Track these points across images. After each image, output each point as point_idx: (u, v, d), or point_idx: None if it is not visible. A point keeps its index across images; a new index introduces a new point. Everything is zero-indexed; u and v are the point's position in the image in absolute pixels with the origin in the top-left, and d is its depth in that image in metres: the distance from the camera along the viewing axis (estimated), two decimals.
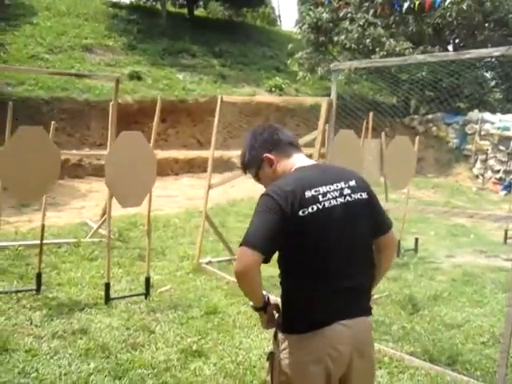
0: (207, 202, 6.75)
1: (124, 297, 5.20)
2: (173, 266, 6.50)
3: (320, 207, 2.18)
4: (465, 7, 16.05)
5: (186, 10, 25.82)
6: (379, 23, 17.27)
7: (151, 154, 5.21)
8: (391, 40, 16.68)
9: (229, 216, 9.58)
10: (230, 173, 16.68)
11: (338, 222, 2.21)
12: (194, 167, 15.95)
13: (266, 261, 2.20)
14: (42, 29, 18.56)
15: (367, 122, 7.15)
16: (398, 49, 16.43)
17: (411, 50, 16.71)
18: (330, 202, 2.21)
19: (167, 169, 15.03)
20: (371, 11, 17.39)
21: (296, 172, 2.30)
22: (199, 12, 27.44)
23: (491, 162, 16.32)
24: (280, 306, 2.35)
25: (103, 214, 7.71)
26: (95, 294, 5.26)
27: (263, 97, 16.47)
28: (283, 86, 20.11)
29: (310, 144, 5.13)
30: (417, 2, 15.95)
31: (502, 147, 16.07)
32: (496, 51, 3.74)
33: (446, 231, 9.81)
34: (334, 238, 2.21)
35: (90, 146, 14.98)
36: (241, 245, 2.16)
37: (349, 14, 17.66)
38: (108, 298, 5.04)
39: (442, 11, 16.66)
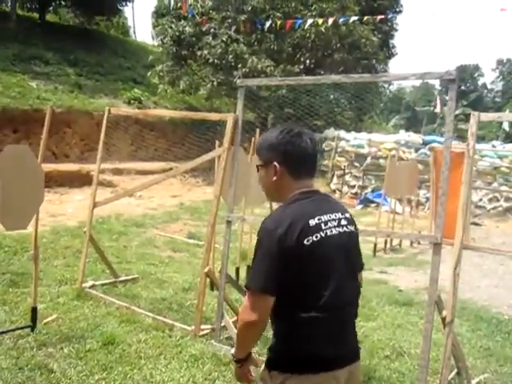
0: (91, 221, 6.27)
1: (7, 331, 4.62)
2: (52, 291, 5.93)
3: (323, 235, 2.14)
4: (323, 30, 16.76)
5: (36, 15, 24.42)
6: (242, 40, 17.51)
7: (39, 169, 4.72)
8: (253, 57, 16.94)
9: (100, 234, 9.00)
10: (89, 188, 16.00)
11: (337, 250, 2.19)
12: (50, 181, 14.97)
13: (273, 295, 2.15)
14: None
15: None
16: (259, 66, 16.75)
17: (272, 68, 17.12)
18: (332, 231, 2.18)
19: None
20: (234, 28, 17.56)
21: (300, 200, 2.21)
22: (50, 17, 26.11)
23: (347, 177, 17.17)
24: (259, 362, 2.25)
25: None
26: None
27: (158, 110, 15.90)
28: (142, 98, 19.67)
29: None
30: (278, 22, 16.39)
31: (356, 163, 16.98)
32: (413, 75, 3.83)
33: None
34: (336, 265, 2.18)
35: None
36: (249, 288, 2.08)
37: (212, 30, 17.72)
38: None
39: (302, 32, 17.28)
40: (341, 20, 15.72)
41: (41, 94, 16.88)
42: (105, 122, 6.10)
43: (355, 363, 2.27)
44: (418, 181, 11.18)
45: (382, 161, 16.31)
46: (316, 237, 2.11)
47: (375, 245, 9.68)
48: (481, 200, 15.50)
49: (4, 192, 4.38)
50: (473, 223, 14.19)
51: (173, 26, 18.10)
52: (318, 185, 17.88)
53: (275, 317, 2.17)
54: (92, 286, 6.13)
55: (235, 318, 5.29)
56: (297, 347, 2.13)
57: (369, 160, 16.56)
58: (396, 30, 26.35)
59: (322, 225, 2.16)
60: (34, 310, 4.77)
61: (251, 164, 6.56)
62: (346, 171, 17.20)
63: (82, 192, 14.46)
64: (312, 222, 2.13)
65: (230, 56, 17.08)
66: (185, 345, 4.68)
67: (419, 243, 11.11)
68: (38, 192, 4.70)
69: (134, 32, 33.97)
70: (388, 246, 10.34)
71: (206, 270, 4.92)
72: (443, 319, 3.88)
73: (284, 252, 2.06)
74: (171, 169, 13.90)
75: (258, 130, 7.04)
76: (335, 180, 17.42)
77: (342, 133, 17.83)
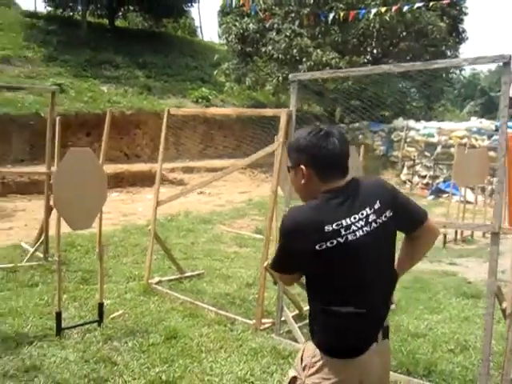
0: (155, 219, 6.42)
1: (75, 326, 4.82)
2: (120, 288, 6.14)
3: (341, 241, 2.12)
4: (388, 18, 16.45)
5: (106, 21, 25.21)
6: (305, 34, 17.44)
7: (101, 171, 4.89)
8: (318, 50, 16.85)
9: (169, 232, 9.27)
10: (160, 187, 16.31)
11: (362, 253, 2.17)
12: (122, 181, 15.50)
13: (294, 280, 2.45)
14: None
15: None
16: (324, 59, 16.63)
17: (337, 60, 16.96)
18: (355, 234, 2.15)
19: None
20: (297, 22, 17.52)
21: (321, 199, 2.20)
22: (119, 22, 26.90)
23: (418, 167, 16.80)
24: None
25: (39, 236, 7.26)
26: (43, 325, 4.85)
27: (216, 109, 16.23)
28: (210, 96, 19.96)
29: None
30: (341, 13, 16.20)
31: (427, 153, 16.58)
32: (465, 61, 3.72)
33: None
34: (360, 268, 2.18)
35: (11, 163, 14.22)
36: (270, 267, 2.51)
37: (275, 25, 17.75)
38: (59, 329, 4.66)
39: (366, 22, 17.02)
40: (405, 7, 15.35)
41: (111, 98, 17.44)
42: (165, 122, 6.25)
43: (385, 340, 2.31)
44: (488, 169, 10.76)
45: (453, 149, 15.82)
46: (331, 243, 2.11)
47: (445, 236, 9.45)
48: None
49: (68, 193, 4.58)
50: None
51: (236, 23, 18.27)
52: (389, 176, 17.61)
53: (308, 297, 2.31)
54: (158, 282, 6.29)
55: (296, 311, 5.33)
56: (318, 335, 2.24)
57: (439, 149, 16.14)
58: (465, 14, 25.46)
59: (342, 230, 2.13)
60: (101, 306, 4.96)
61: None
62: (417, 161, 16.83)
63: (152, 191, 14.79)
64: (328, 228, 2.12)
65: (295, 50, 17.06)
66: (245, 338, 4.74)
67: None
68: (100, 192, 4.88)
69: (201, 32, 34.48)
70: (459, 237, 10.05)
71: (265, 264, 4.96)
72: (503, 311, 3.76)
73: (296, 253, 2.17)
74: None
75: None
76: (405, 171, 17.08)
77: (411, 122, 17.45)
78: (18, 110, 14.61)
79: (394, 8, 15.21)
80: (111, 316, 5.19)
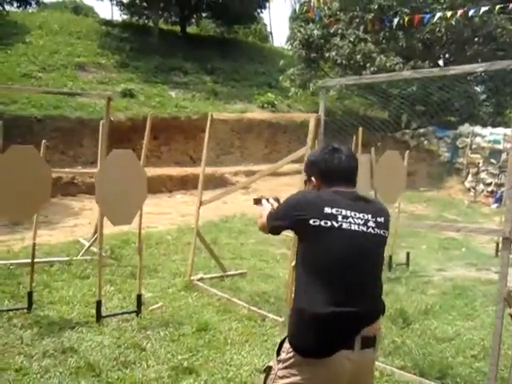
0: (198, 218, 6.72)
1: (115, 314, 5.19)
2: (165, 283, 6.50)
3: (336, 225, 2.36)
4: (453, 23, 16.22)
5: (178, 28, 26.00)
6: (369, 39, 17.46)
7: (142, 171, 5.23)
8: (382, 56, 16.83)
9: (221, 232, 9.59)
10: (222, 189, 16.76)
11: (352, 245, 2.38)
12: (186, 184, 15.96)
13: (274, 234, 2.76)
14: (34, 47, 18.69)
15: (357, 137, 7.20)
16: (388, 64, 16.58)
17: (401, 65, 16.86)
18: (350, 226, 2.38)
19: (160, 186, 15.05)
20: (361, 27, 17.56)
21: (329, 192, 2.50)
22: (191, 29, 27.66)
23: (483, 175, 16.43)
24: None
25: (95, 232, 7.72)
26: (86, 312, 5.25)
27: (253, 114, 16.57)
28: (275, 102, 20.24)
29: (300, 160, 5.18)
30: (406, 18, 16.09)
31: (492, 160, 16.19)
32: (479, 67, 3.81)
33: (438, 245, 9.84)
34: (345, 257, 2.37)
35: (82, 164, 14.98)
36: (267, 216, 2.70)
37: (339, 30, 17.86)
38: (99, 316, 5.03)
39: (432, 26, 16.84)
40: (471, 11, 15.08)
41: (179, 103, 18.02)
42: (208, 126, 6.54)
43: (365, 350, 2.38)
44: None
45: None
46: (326, 223, 2.35)
47: (497, 244, 9.28)
48: None
49: (110, 191, 4.95)
50: None
51: (301, 29, 18.49)
52: (453, 183, 17.31)
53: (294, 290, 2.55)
54: (200, 279, 6.60)
55: None
56: (291, 332, 2.45)
57: (504, 156, 15.72)
58: None
59: (340, 217, 2.38)
60: (139, 298, 5.31)
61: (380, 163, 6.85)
62: (482, 168, 16.46)
63: (213, 193, 15.26)
64: (327, 210, 2.38)
65: (358, 56, 17.11)
66: (271, 334, 4.96)
67: None
68: (140, 191, 5.22)
69: (272, 37, 34.86)
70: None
71: (293, 263, 5.16)
72: (511, 315, 3.80)
73: (292, 220, 2.45)
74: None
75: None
76: (470, 178, 16.73)
77: (478, 128, 17.08)
78: (90, 114, 15.36)
79: (459, 12, 14.98)
80: (150, 308, 5.53)
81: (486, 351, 4.80)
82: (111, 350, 4.41)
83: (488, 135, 16.61)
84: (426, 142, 18.36)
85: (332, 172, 2.54)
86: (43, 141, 5.32)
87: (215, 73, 21.74)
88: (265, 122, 18.39)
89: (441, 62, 20.13)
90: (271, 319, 5.33)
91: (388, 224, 2.51)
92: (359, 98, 19.64)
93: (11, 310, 5.14)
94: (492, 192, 15.95)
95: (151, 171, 15.49)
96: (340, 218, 2.37)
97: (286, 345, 2.40)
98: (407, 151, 8.29)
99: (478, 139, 16.83)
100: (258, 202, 2.93)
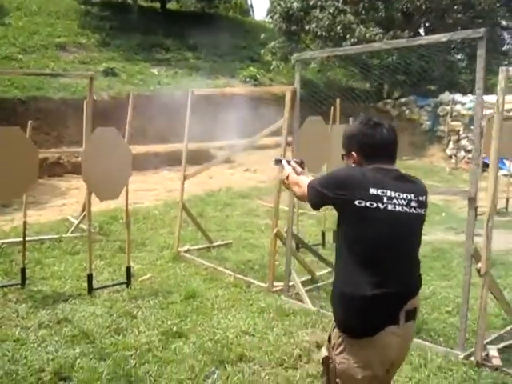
0: (183, 192, 6.92)
1: (106, 286, 5.41)
2: (153, 255, 6.72)
3: (381, 207, 2.34)
4: None
5: (158, 4, 25.83)
6: (349, 10, 17.54)
7: (126, 148, 5.41)
8: (361, 26, 16.93)
9: (207, 206, 9.81)
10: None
11: (397, 226, 2.37)
12: (172, 160, 16.09)
13: (315, 207, 2.62)
14: (14, 29, 18.55)
15: (334, 109, 7.38)
16: (368, 35, 16.68)
17: (381, 35, 16.96)
18: (395, 207, 2.36)
19: (146, 163, 15.15)
20: None
21: (372, 170, 2.43)
22: (172, 5, 27.46)
23: (463, 142, 16.70)
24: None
25: (83, 210, 7.90)
26: (78, 286, 5.47)
27: (232, 88, 16.64)
28: (257, 75, 20.30)
29: (278, 133, 5.39)
30: None
31: (472, 127, 16.42)
32: (443, 37, 4.01)
33: None
34: (390, 238, 2.36)
35: (67, 144, 15.02)
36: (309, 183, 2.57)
37: (319, 2, 17.89)
38: (91, 289, 5.25)
39: None
40: None
41: (161, 80, 18.08)
42: (189, 103, 6.70)
43: (409, 322, 2.45)
44: None
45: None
46: (371, 204, 2.32)
47: (475, 208, 9.55)
48: None
49: (95, 168, 5.13)
50: None
51: (281, 2, 18.49)
52: (435, 151, 17.60)
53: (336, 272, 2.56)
54: (187, 251, 6.83)
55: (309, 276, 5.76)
56: (337, 315, 2.48)
57: (484, 123, 15.96)
58: None
59: (385, 198, 2.35)
60: (128, 270, 5.53)
61: (331, 134, 6.94)
62: (462, 135, 16.73)
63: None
64: (373, 191, 2.34)
65: (338, 27, 17.19)
66: (256, 299, 5.20)
67: None
68: (126, 167, 5.41)
69: (252, 11, 34.70)
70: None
71: (274, 231, 5.40)
72: (478, 271, 4.06)
73: (335, 198, 2.40)
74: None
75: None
76: (451, 145, 17.00)
77: (458, 96, 17.30)
78: (72, 94, 15.40)
79: None
80: (140, 279, 5.76)
81: (460, 307, 5.08)
82: (104, 318, 4.63)
83: (468, 102, 16.83)
84: (407, 112, 18.58)
85: (374, 147, 2.47)
86: (29, 122, 5.45)
87: (197, 48, 21.72)
88: (245, 96, 18.48)
89: (422, 31, 20.28)
90: (256, 285, 5.57)
91: (427, 202, 2.51)
92: (340, 69, 19.76)
93: (5, 286, 5.34)
94: None
95: (137, 149, 15.56)
96: (385, 200, 2.35)
97: (335, 330, 2.44)
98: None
99: (458, 107, 17.06)
100: (278, 162, 2.95)
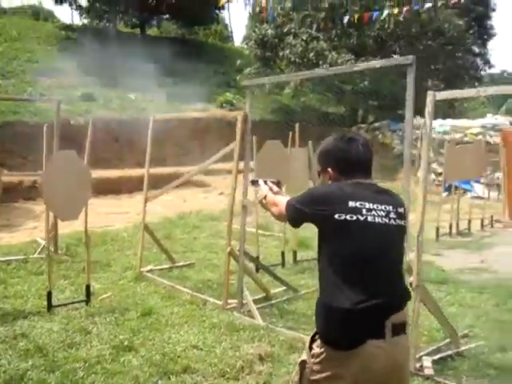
0: (145, 214, 7.15)
1: (65, 304, 5.58)
2: (116, 275, 6.89)
3: (361, 218, 2.38)
4: (401, 19, 16.86)
5: (138, 30, 26.27)
6: (322, 37, 18.02)
7: (85, 170, 5.63)
8: (333, 53, 17.39)
9: (176, 228, 10.01)
10: (184, 189, 17.22)
11: (377, 237, 2.41)
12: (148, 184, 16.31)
13: (294, 225, 2.72)
14: None
15: (293, 133, 7.67)
16: (339, 61, 17.13)
17: (353, 61, 17.42)
18: (374, 218, 2.40)
19: (121, 187, 15.34)
20: (314, 26, 18.09)
21: (349, 184, 2.48)
22: (152, 31, 27.94)
23: (433, 165, 17.08)
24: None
25: (50, 232, 8.08)
26: (39, 304, 5.63)
27: (191, 113, 16.93)
28: (234, 101, 20.67)
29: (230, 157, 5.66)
30: (356, 16, 16.68)
31: (442, 150, 16.84)
32: (378, 63, 4.32)
33: None
34: (371, 250, 2.39)
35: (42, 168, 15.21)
36: (288, 204, 2.62)
37: (292, 30, 18.37)
38: (50, 306, 5.42)
39: (382, 23, 17.46)
40: (415, 7, 15.71)
41: (139, 105, 18.36)
42: (150, 127, 6.97)
43: (396, 337, 2.40)
44: (485, 162, 11.17)
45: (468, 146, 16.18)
46: (351, 217, 2.36)
47: (437, 229, 9.87)
48: None
49: (55, 190, 5.34)
50: None
51: (256, 29, 18.96)
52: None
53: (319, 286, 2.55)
54: (150, 271, 7.02)
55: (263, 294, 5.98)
56: (319, 326, 2.50)
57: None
58: (494, 10, 25.64)
59: (364, 210, 2.38)
60: (88, 288, 5.71)
61: (290, 157, 7.23)
62: (433, 159, 17.11)
63: (175, 192, 15.66)
64: (352, 204, 2.38)
65: (311, 54, 17.64)
66: (210, 316, 5.39)
67: (492, 226, 11.14)
68: (85, 189, 5.62)
69: (232, 37, 35.32)
70: (455, 230, 10.44)
71: (228, 249, 5.63)
72: (410, 284, 4.31)
73: (315, 214, 2.45)
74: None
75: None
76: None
77: None
78: (48, 118, 15.57)
79: (404, 9, 15.60)
80: (100, 297, 5.93)
81: None
82: (59, 334, 4.81)
83: (437, 127, 17.27)
84: (380, 136, 18.98)
85: (350, 162, 2.52)
86: None
87: (175, 74, 22.06)
88: (223, 120, 18.85)
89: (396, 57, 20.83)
90: (212, 303, 5.77)
91: (406, 214, 2.58)
92: (314, 94, 20.18)
93: None
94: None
95: (113, 173, 15.92)
96: (364, 212, 2.38)
97: (317, 341, 2.44)
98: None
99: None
100: (254, 183, 2.99)
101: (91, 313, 5.42)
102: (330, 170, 2.56)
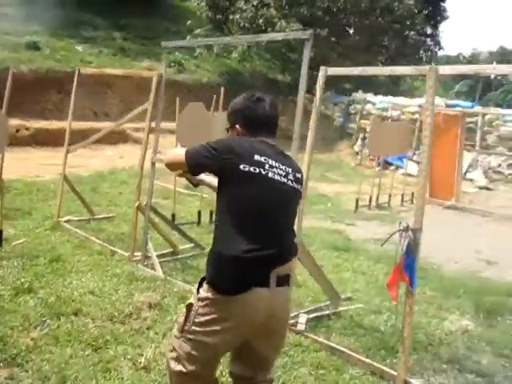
0: (65, 166, 7.33)
1: None
2: (35, 223, 7.09)
3: (263, 172, 2.51)
4: None
5: None
6: (272, 4, 18.13)
7: (4, 119, 5.81)
8: (282, 21, 17.56)
9: (105, 182, 10.23)
10: (125, 145, 17.33)
11: (273, 192, 2.55)
12: (87, 138, 16.32)
13: (194, 172, 2.75)
14: None
15: (218, 97, 7.94)
16: (287, 30, 17.31)
17: (301, 31, 17.64)
18: (274, 176, 2.54)
19: (60, 139, 15.27)
20: None
21: (255, 140, 2.63)
22: None
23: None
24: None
25: None
26: None
27: (111, 70, 16.80)
28: (182, 61, 20.63)
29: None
30: None
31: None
32: (279, 36, 4.63)
33: (307, 200, 10.80)
34: (266, 203, 2.53)
35: None
36: (186, 152, 2.60)
37: None
38: None
39: None
40: None
41: (84, 57, 18.19)
42: (75, 82, 7.09)
43: (279, 288, 2.55)
44: (409, 141, 11.70)
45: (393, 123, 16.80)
46: (254, 169, 2.49)
47: (357, 200, 10.36)
48: (500, 165, 15.74)
49: None
50: (485, 187, 14.60)
51: None
52: (343, 147, 18.52)
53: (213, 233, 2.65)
54: (68, 221, 7.25)
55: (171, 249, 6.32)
56: (209, 272, 2.60)
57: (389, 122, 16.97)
58: None
59: (267, 165, 2.52)
60: (0, 232, 5.92)
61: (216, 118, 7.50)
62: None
63: (115, 148, 15.78)
64: (257, 158, 2.52)
65: (261, 20, 17.77)
66: (114, 266, 5.71)
67: (412, 202, 11.70)
68: (1, 137, 5.79)
69: None
70: (374, 203, 10.96)
71: (136, 204, 5.94)
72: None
73: (220, 162, 2.52)
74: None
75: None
76: (359, 142, 17.93)
77: (370, 96, 18.25)
78: None
79: None
80: (13, 243, 6.15)
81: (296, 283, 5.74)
82: None
83: (378, 103, 17.81)
84: (322, 107, 19.38)
85: (256, 120, 2.65)
86: None
87: (126, 29, 21.84)
88: (177, 82, 18.93)
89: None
90: (120, 254, 6.08)
91: (302, 181, 2.71)
92: (260, 60, 20.37)
93: None
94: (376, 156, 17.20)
95: (53, 125, 15.86)
96: (267, 167, 2.52)
97: (205, 284, 2.56)
98: None
99: (368, 106, 17.99)
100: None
101: (1, 257, 5.65)
102: (237, 126, 2.68)
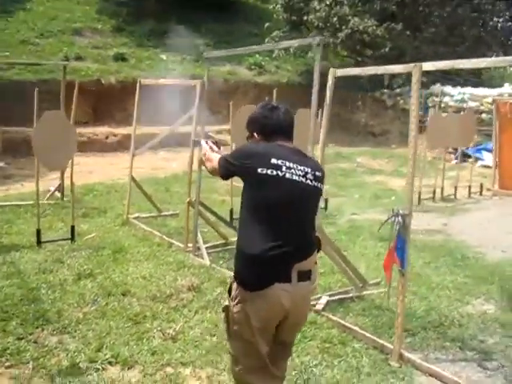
0: (132, 167, 8.10)
1: (53, 240, 6.66)
2: (107, 220, 7.94)
3: (280, 174, 2.68)
4: None
5: None
6: (345, 2, 18.38)
7: (71, 129, 6.65)
8: (355, 18, 17.77)
9: (177, 183, 11.02)
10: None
11: (292, 192, 2.71)
12: (171, 141, 17.32)
13: (224, 178, 2.96)
14: (34, 14, 19.92)
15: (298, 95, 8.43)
16: (361, 27, 17.53)
17: (375, 27, 17.80)
18: (292, 176, 2.70)
19: (142, 145, 16.33)
20: None
21: (272, 145, 2.82)
22: None
23: None
24: None
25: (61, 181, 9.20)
26: (33, 240, 6.69)
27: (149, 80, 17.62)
28: (263, 63, 21.25)
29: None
30: None
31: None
32: (287, 44, 5.08)
33: (372, 194, 11.08)
34: (285, 202, 2.70)
35: (76, 124, 16.34)
36: (221, 158, 2.90)
37: None
38: (39, 242, 6.51)
39: None
40: None
41: (168, 65, 19.24)
42: (138, 91, 7.83)
43: (301, 283, 2.72)
44: (474, 132, 11.65)
45: (483, 115, 16.50)
46: (272, 172, 2.66)
47: (419, 193, 10.49)
48: None
49: (44, 144, 6.35)
50: None
51: None
52: (422, 140, 18.36)
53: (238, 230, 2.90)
54: (136, 217, 8.04)
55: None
56: (235, 269, 2.83)
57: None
58: None
59: (284, 167, 2.69)
60: (73, 228, 6.76)
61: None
62: None
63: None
64: (273, 161, 2.68)
65: (334, 18, 18.05)
66: (169, 255, 6.39)
67: (481, 194, 11.64)
68: (70, 145, 6.61)
69: None
70: (439, 195, 11.01)
71: (187, 200, 6.59)
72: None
73: (242, 167, 2.75)
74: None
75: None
76: None
77: (447, 88, 18.04)
78: (82, 77, 16.69)
79: None
80: (86, 237, 7.00)
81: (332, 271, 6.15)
82: (39, 263, 5.89)
83: (456, 95, 17.58)
84: (401, 102, 19.38)
85: (272, 127, 2.84)
86: None
87: (208, 35, 22.74)
88: (250, 83, 19.66)
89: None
90: (176, 246, 6.75)
91: (323, 179, 2.85)
92: (336, 57, 20.65)
93: None
94: (456, 149, 17.00)
95: (137, 130, 16.97)
96: (284, 169, 2.67)
97: (234, 284, 2.76)
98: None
99: (446, 98, 17.79)
100: (196, 143, 3.42)
101: (73, 248, 6.48)
102: (255, 134, 2.89)
